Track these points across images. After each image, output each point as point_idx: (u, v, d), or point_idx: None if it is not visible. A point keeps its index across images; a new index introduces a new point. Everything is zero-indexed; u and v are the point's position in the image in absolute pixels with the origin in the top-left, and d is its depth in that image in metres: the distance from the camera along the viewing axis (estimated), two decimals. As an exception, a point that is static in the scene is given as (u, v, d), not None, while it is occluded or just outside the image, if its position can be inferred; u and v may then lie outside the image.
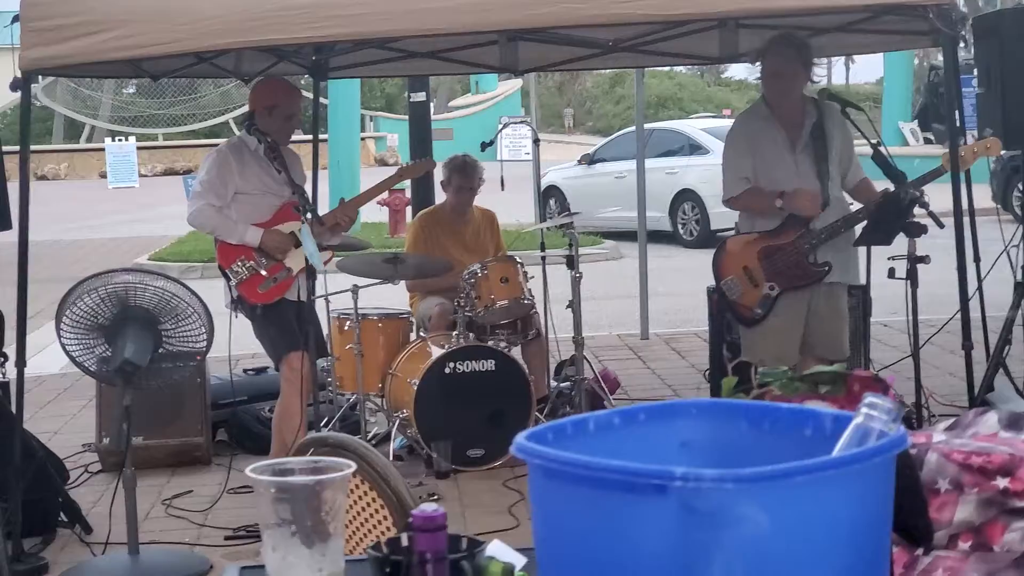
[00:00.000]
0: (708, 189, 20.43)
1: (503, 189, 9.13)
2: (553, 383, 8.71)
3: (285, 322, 7.10)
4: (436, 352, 7.80)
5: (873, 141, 6.84)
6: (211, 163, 7.19)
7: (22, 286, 6.41)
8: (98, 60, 6.38)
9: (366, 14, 6.20)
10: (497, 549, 1.78)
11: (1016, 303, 8.15)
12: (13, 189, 6.76)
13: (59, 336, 6.19)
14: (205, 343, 6.25)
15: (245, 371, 8.79)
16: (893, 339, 10.67)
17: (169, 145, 46.70)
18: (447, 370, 7.70)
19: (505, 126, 9.60)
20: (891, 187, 6.97)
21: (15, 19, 6.32)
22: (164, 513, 7.22)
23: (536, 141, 9.50)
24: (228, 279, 7.12)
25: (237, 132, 30.91)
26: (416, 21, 6.21)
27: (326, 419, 7.82)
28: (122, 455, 6.21)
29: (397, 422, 7.79)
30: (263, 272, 7.08)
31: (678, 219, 20.99)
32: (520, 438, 1.48)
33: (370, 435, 8.17)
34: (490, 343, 7.98)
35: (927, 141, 31.20)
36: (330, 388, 8.23)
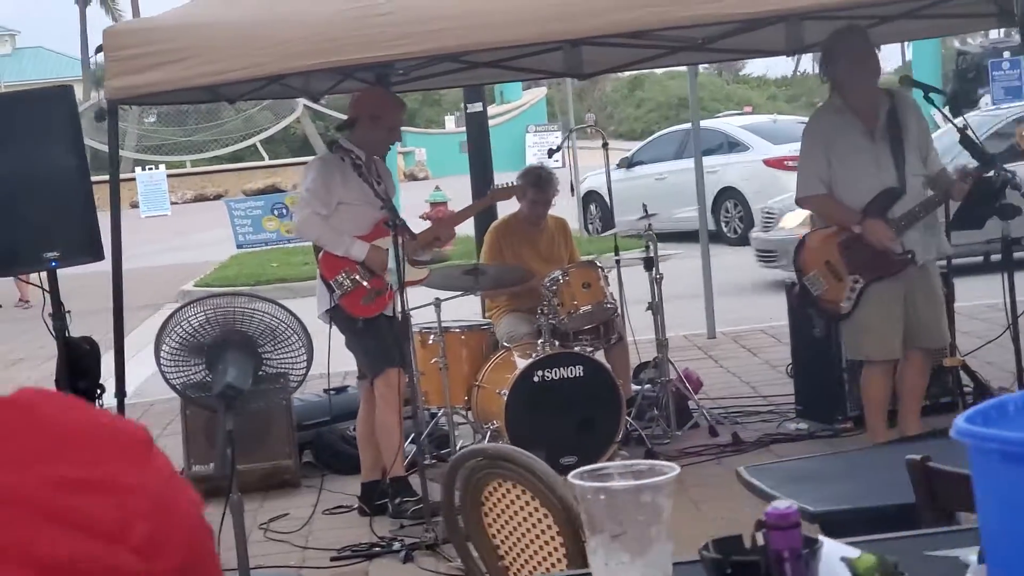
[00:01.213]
0: (749, 186, 20.44)
1: (572, 195, 9.09)
2: (634, 386, 8.67)
3: (384, 337, 7.07)
4: (523, 361, 7.76)
5: (960, 125, 6.80)
6: (315, 171, 7.16)
7: (118, 316, 6.42)
8: (183, 87, 6.39)
9: (443, 29, 6.22)
10: (828, 545, 1.74)
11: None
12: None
13: (158, 362, 6.16)
14: (305, 364, 6.21)
15: (325, 391, 8.75)
16: (965, 325, 10.60)
17: (198, 172, 46.81)
18: (536, 378, 7.66)
19: (571, 132, 9.46)
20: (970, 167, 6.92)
21: (98, 50, 6.33)
22: (263, 537, 7.21)
23: (605, 145, 9.45)
24: (331, 290, 7.09)
25: (265, 156, 30.78)
26: (497, 33, 6.22)
27: (412, 434, 7.78)
28: (218, 481, 6.18)
29: (488, 433, 7.75)
30: (366, 285, 7.05)
31: (721, 217, 20.94)
32: (959, 422, 1.43)
33: (458, 447, 8.13)
34: (576, 349, 7.94)
35: (953, 125, 31.00)
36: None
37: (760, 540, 1.68)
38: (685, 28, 7.18)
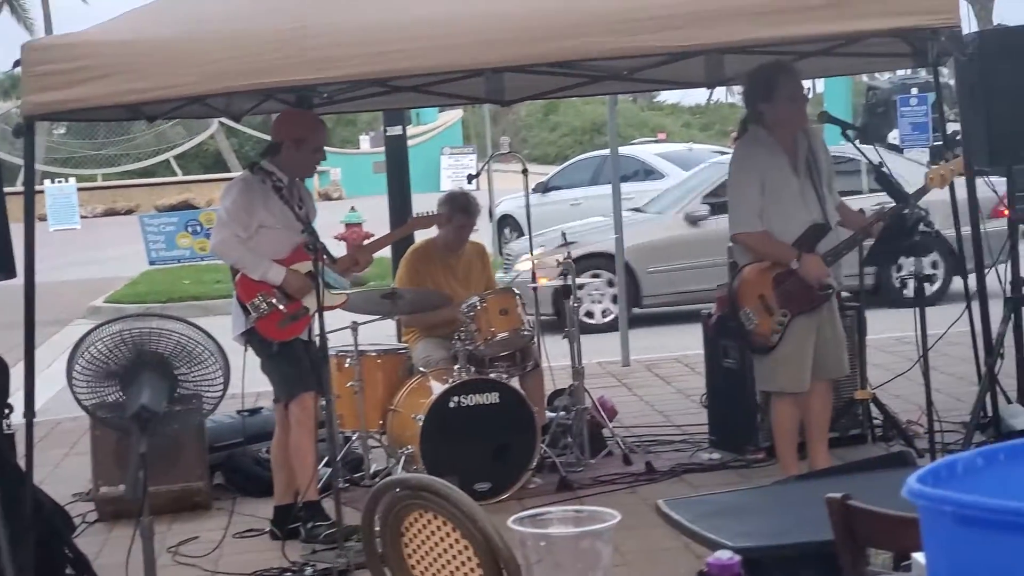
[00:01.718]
0: (664, 214, 20.53)
1: (490, 220, 9.10)
2: (549, 413, 8.68)
3: (299, 361, 7.04)
4: (438, 387, 7.76)
5: (876, 162, 6.90)
6: (236, 192, 7.10)
7: (29, 335, 6.33)
8: (105, 104, 6.33)
9: (372, 54, 6.21)
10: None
11: (1006, 318, 8.24)
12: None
13: (70, 383, 6.08)
14: (221, 385, 6.16)
15: (239, 412, 8.69)
16: (874, 358, 10.72)
17: (110, 186, 46.30)
18: (451, 404, 7.66)
19: (491, 157, 9.48)
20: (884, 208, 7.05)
21: (16, 64, 6.26)
22: (172, 561, 7.12)
23: (525, 171, 9.47)
24: (247, 313, 7.04)
25: (178, 171, 30.57)
26: (425, 60, 6.23)
27: (326, 457, 7.73)
28: (126, 504, 6.12)
29: (402, 458, 7.72)
30: (283, 308, 7.02)
31: (635, 244, 21.01)
32: (912, 483, 1.44)
33: (371, 472, 8.12)
34: (492, 375, 7.95)
35: (868, 162, 31.38)
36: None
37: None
38: (612, 59, 7.23)
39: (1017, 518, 1.29)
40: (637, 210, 15.22)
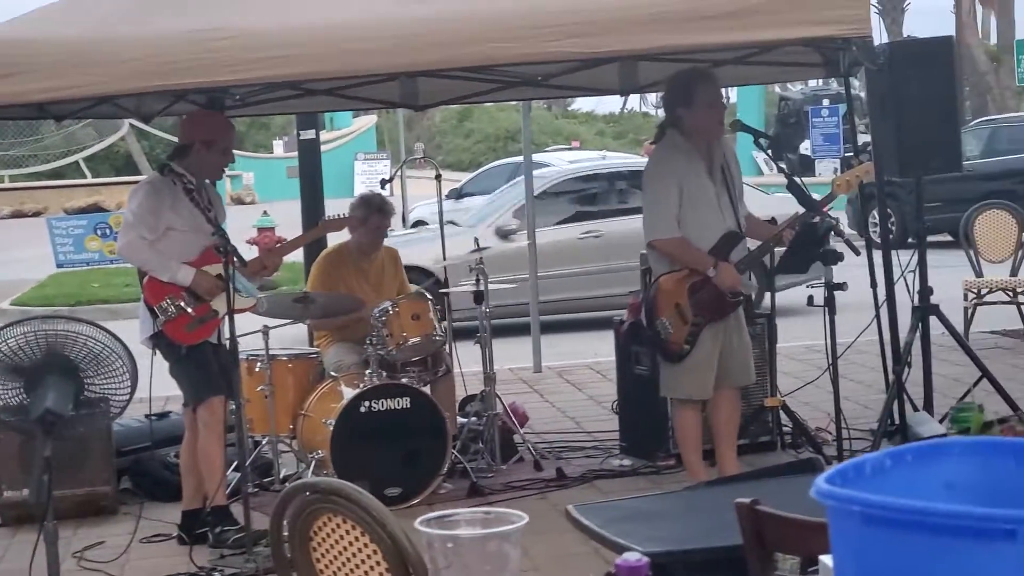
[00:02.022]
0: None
1: (404, 225, 9.07)
2: (460, 419, 8.67)
3: (207, 365, 6.98)
4: (349, 392, 7.73)
5: (788, 171, 6.96)
6: (142, 195, 7.02)
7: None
8: (12, 103, 6.25)
9: (285, 57, 6.19)
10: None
11: (914, 327, 8.35)
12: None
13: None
14: (128, 389, 6.09)
15: (147, 416, 8.59)
16: (784, 366, 10.81)
17: (16, 187, 45.67)
18: (362, 409, 7.63)
19: (405, 162, 9.46)
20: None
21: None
22: (77, 566, 7.02)
23: (438, 177, 9.46)
24: (154, 316, 6.97)
25: (87, 173, 30.16)
26: (340, 63, 6.21)
27: (236, 462, 7.67)
28: (30, 508, 6.03)
29: (313, 463, 7.68)
30: (191, 312, 6.95)
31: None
32: (820, 483, 1.44)
33: (281, 476, 8.07)
34: (403, 380, 7.92)
35: (780, 171, 31.73)
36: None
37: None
38: (525, 64, 7.24)
39: (923, 517, 1.30)
40: (452, 223, 15.09)
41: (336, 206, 8.83)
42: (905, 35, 38.30)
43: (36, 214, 40.72)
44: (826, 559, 1.98)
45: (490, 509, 1.82)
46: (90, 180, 45.48)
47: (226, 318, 6.61)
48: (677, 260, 7.18)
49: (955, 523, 1.29)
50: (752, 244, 7.41)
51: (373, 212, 8.45)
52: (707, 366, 7.17)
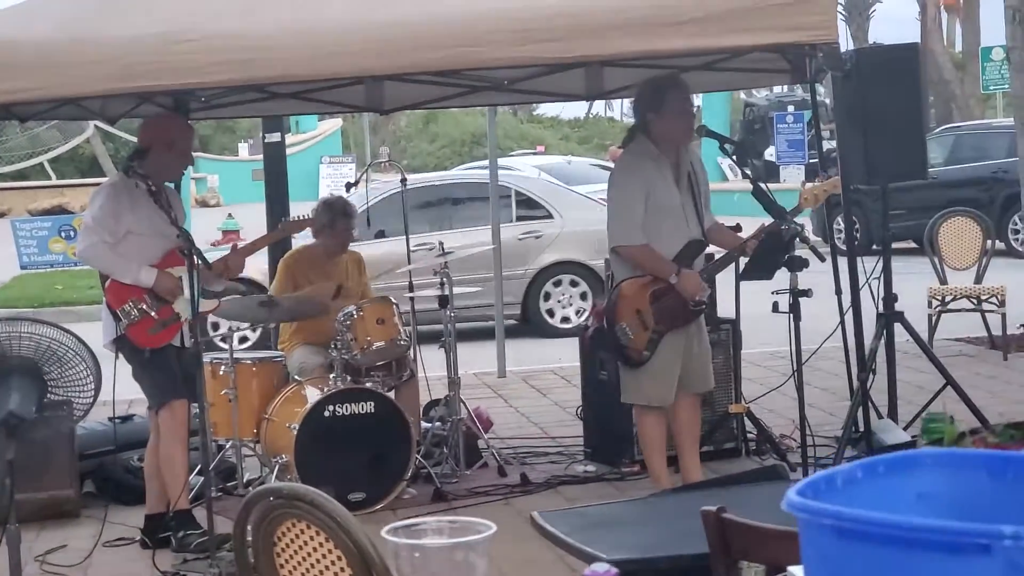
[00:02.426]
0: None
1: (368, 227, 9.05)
2: (424, 424, 8.65)
3: (170, 368, 6.95)
4: (314, 395, 7.70)
5: (753, 177, 6.98)
6: (103, 198, 6.99)
7: None
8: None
9: (251, 60, 6.18)
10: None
11: (878, 334, 8.37)
12: None
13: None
14: (92, 392, 6.07)
15: (110, 419, 8.54)
16: (748, 372, 10.84)
17: (-21, 189, 45.44)
18: (326, 413, 7.60)
19: (370, 166, 9.44)
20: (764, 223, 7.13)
21: None
22: (39, 570, 6.98)
23: (403, 181, 9.45)
24: (117, 320, 6.93)
25: (52, 175, 30.00)
26: (307, 67, 6.20)
27: (199, 466, 7.63)
28: (-4, 511, 5.99)
29: (277, 468, 7.65)
30: (154, 315, 6.92)
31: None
32: (792, 495, 1.43)
33: (244, 480, 8.04)
34: (368, 385, 7.90)
35: (745, 177, 31.86)
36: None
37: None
38: (491, 69, 7.24)
39: (897, 531, 1.29)
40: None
41: (301, 209, 8.80)
42: (871, 41, 38.50)
43: (0, 215, 40.50)
44: (795, 570, 1.98)
45: (456, 518, 1.80)
46: (55, 182, 45.22)
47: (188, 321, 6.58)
48: (641, 267, 7.18)
49: (930, 537, 1.28)
50: (718, 252, 7.44)
51: (338, 216, 8.43)
52: (668, 373, 7.18)
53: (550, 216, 15.28)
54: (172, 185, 7.39)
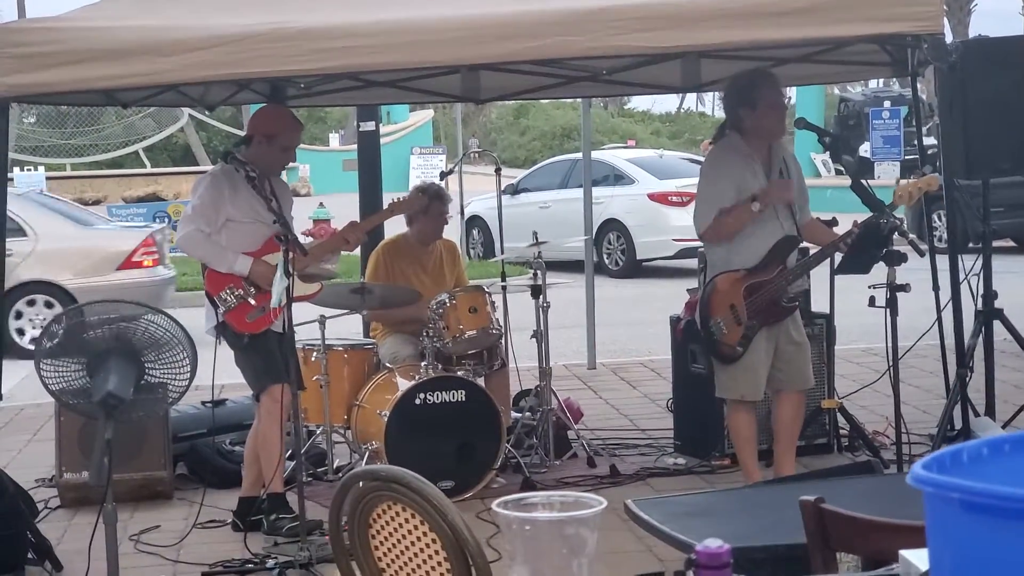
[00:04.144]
0: (633, 219, 20.59)
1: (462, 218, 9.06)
2: (514, 413, 8.66)
3: (270, 353, 6.99)
4: (405, 383, 7.72)
5: (852, 171, 6.90)
6: (203, 188, 7.06)
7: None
8: (80, 89, 6.30)
9: (352, 47, 6.20)
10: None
11: (976, 331, 8.26)
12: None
13: (37, 366, 6.03)
14: (188, 376, 6.12)
15: (204, 403, 8.64)
16: (841, 368, 10.75)
17: (78, 175, 46.00)
18: (417, 401, 7.62)
19: (463, 155, 9.46)
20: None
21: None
22: (134, 549, 7.07)
23: (498, 170, 9.46)
24: (216, 307, 7.00)
25: (147, 163, 30.33)
26: (407, 55, 6.22)
27: (291, 451, 7.69)
28: (88, 491, 6.08)
29: (367, 454, 7.69)
30: (252, 301, 6.98)
31: (604, 249, 21.03)
32: (918, 469, 1.42)
33: (335, 466, 8.09)
34: (459, 373, 7.91)
35: (838, 172, 31.60)
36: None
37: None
38: (589, 59, 7.22)
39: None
40: None
41: (393, 199, 8.82)
42: (973, 35, 37.98)
43: (96, 202, 41.02)
44: (906, 553, 1.95)
45: (566, 493, 1.80)
46: (149, 170, 45.80)
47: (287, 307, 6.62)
48: (726, 231, 7.08)
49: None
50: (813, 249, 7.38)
51: (433, 199, 8.45)
52: (760, 368, 7.13)
53: (24, 234, 14.28)
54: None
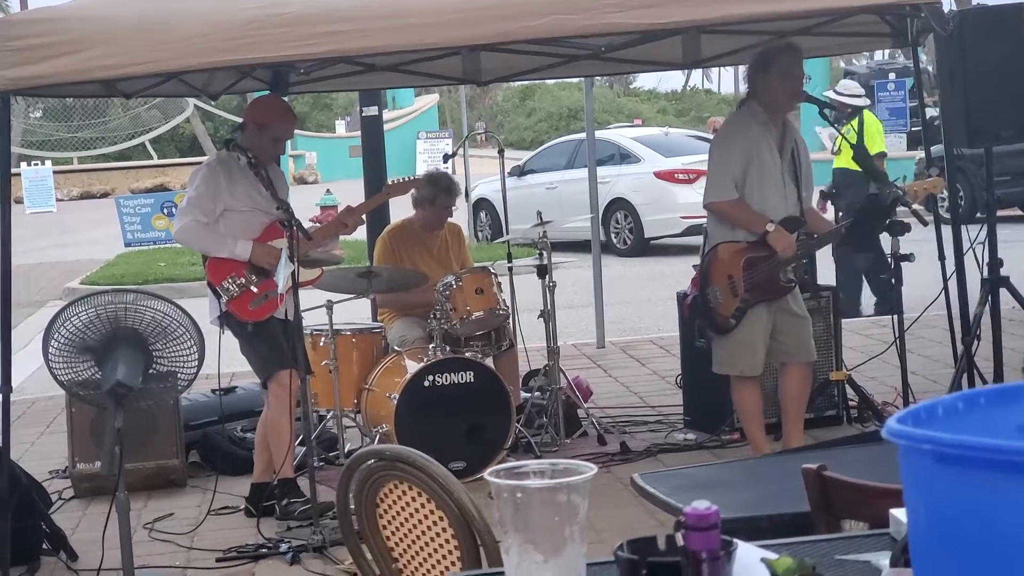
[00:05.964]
0: (640, 198, 20.56)
1: (466, 201, 9.07)
2: (523, 393, 8.68)
3: (275, 339, 7.02)
4: (413, 366, 7.74)
5: (854, 143, 6.91)
6: (200, 178, 7.07)
7: (5, 314, 6.30)
8: (81, 80, 6.30)
9: (347, 31, 6.19)
10: (745, 548, 1.75)
11: (983, 299, 8.26)
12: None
13: (46, 358, 6.06)
14: (196, 363, 6.14)
15: (213, 391, 8.67)
16: (849, 340, 10.75)
17: (85, 169, 46.12)
18: (426, 383, 7.64)
19: (467, 138, 9.46)
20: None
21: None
22: (148, 537, 7.11)
23: (501, 152, 9.47)
24: (218, 296, 7.02)
25: (153, 155, 30.30)
26: (404, 37, 6.20)
27: (301, 435, 7.71)
28: (101, 480, 6.10)
29: (377, 437, 7.71)
30: (254, 289, 6.99)
31: (611, 228, 21.01)
32: (892, 423, 1.44)
33: (346, 450, 8.11)
34: (467, 354, 7.93)
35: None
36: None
37: (679, 540, 1.69)
38: (588, 37, 7.21)
39: (994, 455, 1.29)
40: None
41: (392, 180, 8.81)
42: (974, 3, 37.84)
43: (104, 195, 41.12)
44: (896, 512, 1.97)
45: (557, 461, 1.81)
46: (156, 161, 45.87)
47: (291, 293, 6.63)
48: (735, 221, 7.13)
49: (1027, 460, 1.28)
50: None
51: (441, 193, 8.46)
52: (758, 343, 7.16)
53: None
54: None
